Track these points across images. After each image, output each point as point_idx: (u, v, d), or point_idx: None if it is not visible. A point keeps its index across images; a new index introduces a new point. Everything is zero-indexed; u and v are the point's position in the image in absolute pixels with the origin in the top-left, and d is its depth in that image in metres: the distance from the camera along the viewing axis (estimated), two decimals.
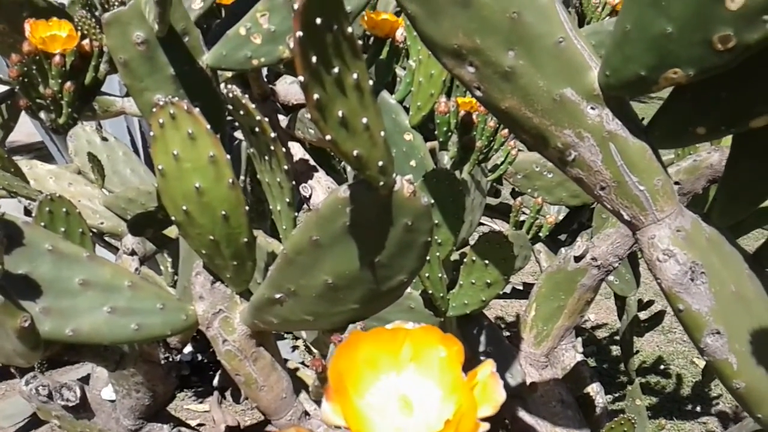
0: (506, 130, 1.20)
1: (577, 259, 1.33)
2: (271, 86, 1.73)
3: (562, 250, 1.80)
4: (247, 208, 0.69)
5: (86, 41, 1.10)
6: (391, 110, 1.17)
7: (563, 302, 1.37)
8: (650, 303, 1.85)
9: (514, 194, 1.98)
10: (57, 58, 1.04)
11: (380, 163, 0.53)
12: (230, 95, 0.71)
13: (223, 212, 0.69)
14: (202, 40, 0.88)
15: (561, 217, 1.80)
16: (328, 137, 0.49)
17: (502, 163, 1.30)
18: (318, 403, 0.76)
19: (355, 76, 0.50)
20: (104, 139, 1.67)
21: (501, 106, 0.65)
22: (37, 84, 1.06)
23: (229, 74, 1.16)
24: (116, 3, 0.90)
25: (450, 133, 0.97)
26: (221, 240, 0.71)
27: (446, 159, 0.99)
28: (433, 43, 0.67)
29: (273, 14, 0.84)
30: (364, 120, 0.51)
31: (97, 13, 0.90)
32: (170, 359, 1.13)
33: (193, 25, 0.87)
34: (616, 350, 2.88)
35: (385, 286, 0.63)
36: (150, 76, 0.85)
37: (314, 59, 0.46)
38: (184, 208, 0.69)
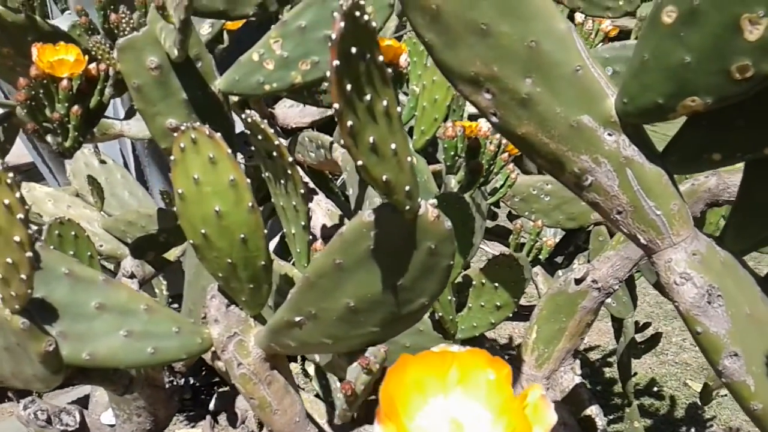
0: (505, 154, 1.22)
1: (578, 281, 1.34)
2: (271, 109, 1.74)
3: (560, 272, 1.82)
4: (265, 231, 0.70)
5: (92, 65, 1.10)
6: None
7: (564, 324, 1.37)
8: (647, 325, 1.87)
9: (511, 217, 2.00)
10: (64, 82, 1.04)
11: (407, 188, 0.54)
12: (249, 120, 0.71)
13: (242, 235, 0.69)
14: (215, 66, 0.89)
15: (557, 240, 1.81)
16: (359, 162, 0.50)
17: (502, 186, 1.31)
18: (343, 426, 0.76)
19: (384, 102, 0.51)
20: (102, 161, 1.67)
21: (517, 131, 0.67)
22: (44, 108, 1.06)
23: (235, 99, 1.17)
24: (127, 28, 0.91)
25: (457, 157, 0.99)
26: (239, 263, 0.71)
27: (453, 182, 1.00)
28: (450, 71, 0.68)
29: (286, 41, 0.86)
30: (393, 146, 0.52)
31: (99, 37, 0.90)
32: (174, 383, 1.13)
33: (205, 51, 0.88)
34: (609, 372, 2.88)
35: (406, 309, 0.63)
36: (163, 101, 0.86)
37: (349, 87, 0.47)
38: (203, 231, 0.69)
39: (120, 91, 1.26)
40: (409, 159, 0.54)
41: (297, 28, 0.85)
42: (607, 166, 0.63)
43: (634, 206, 0.63)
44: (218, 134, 0.66)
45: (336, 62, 0.45)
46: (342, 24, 0.44)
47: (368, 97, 0.49)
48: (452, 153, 0.98)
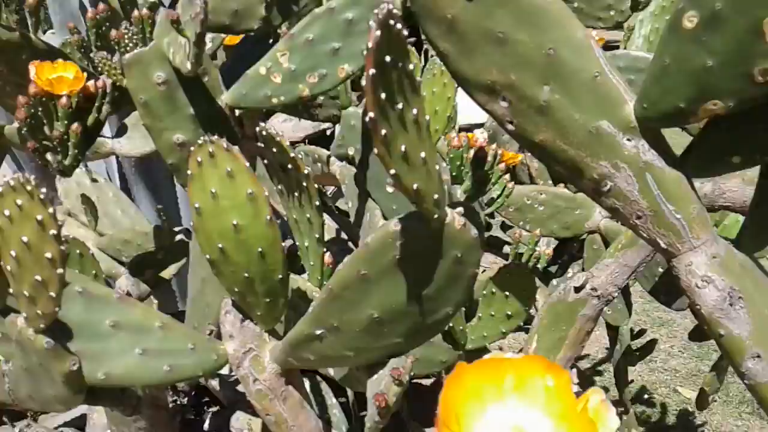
0: (502, 165, 1.23)
1: (577, 289, 1.34)
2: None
3: (554, 281, 1.83)
4: (283, 244, 0.69)
5: (90, 82, 1.09)
6: None
7: (564, 333, 1.37)
8: (642, 332, 1.88)
9: (504, 227, 2.01)
10: (63, 100, 1.03)
11: (435, 197, 0.54)
12: (263, 133, 0.71)
13: (260, 249, 0.69)
14: (221, 80, 0.89)
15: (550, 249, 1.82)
16: (392, 171, 0.49)
17: (499, 196, 1.32)
18: None
19: (414, 111, 0.51)
20: (94, 180, 1.65)
21: (535, 139, 0.67)
22: (42, 126, 1.05)
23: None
24: (130, 44, 0.90)
25: (462, 167, 0.99)
26: (256, 277, 0.71)
27: (459, 192, 1.00)
28: (465, 80, 0.69)
29: (293, 54, 0.86)
30: (423, 154, 0.52)
31: (105, 53, 0.90)
32: (177, 402, 1.11)
33: (212, 65, 0.87)
34: (600, 381, 2.89)
35: (431, 319, 0.63)
36: (170, 116, 0.85)
37: (383, 96, 0.47)
38: (220, 245, 0.69)
39: (117, 108, 1.25)
40: (437, 167, 0.54)
41: (304, 41, 0.85)
42: (626, 172, 0.63)
43: (654, 211, 0.63)
44: (236, 147, 0.66)
45: (372, 71, 0.45)
46: (378, 33, 0.44)
47: (400, 105, 0.49)
48: (458, 163, 0.98)
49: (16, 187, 0.46)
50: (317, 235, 0.75)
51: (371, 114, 0.46)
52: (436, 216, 0.55)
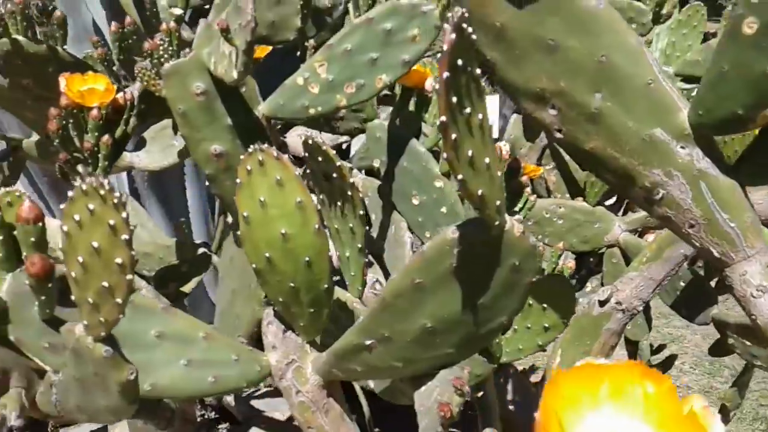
0: (525, 177, 1.23)
1: (602, 303, 1.33)
2: (283, 138, 1.73)
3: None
4: (330, 254, 0.69)
5: (119, 95, 1.09)
6: (420, 158, 1.18)
7: (588, 347, 1.36)
8: (662, 347, 1.87)
9: None
10: (94, 112, 1.03)
11: (497, 203, 0.54)
12: (309, 142, 0.71)
13: (307, 258, 0.68)
14: (258, 90, 0.88)
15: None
16: (459, 177, 0.49)
17: (520, 209, 1.31)
18: None
19: (480, 116, 0.51)
20: None
21: (585, 147, 0.67)
22: (72, 138, 1.05)
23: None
24: (165, 55, 0.90)
25: None
26: (302, 287, 0.70)
27: None
28: (514, 88, 0.69)
29: (331, 64, 0.86)
30: (487, 159, 0.52)
31: (145, 63, 0.90)
32: (205, 416, 1.10)
33: (249, 75, 0.87)
34: None
35: (485, 329, 0.62)
36: (207, 127, 0.84)
37: (454, 100, 0.47)
38: (267, 255, 0.68)
39: (143, 121, 1.25)
40: (499, 173, 0.54)
41: (343, 51, 0.85)
42: (680, 180, 0.63)
43: (708, 219, 0.63)
44: (285, 156, 0.65)
45: (446, 74, 0.45)
46: (453, 36, 0.44)
47: (468, 110, 0.49)
48: None
49: (89, 191, 0.45)
50: (359, 245, 0.75)
51: (443, 118, 0.46)
52: (497, 223, 0.54)
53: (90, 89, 1.03)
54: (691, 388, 3.04)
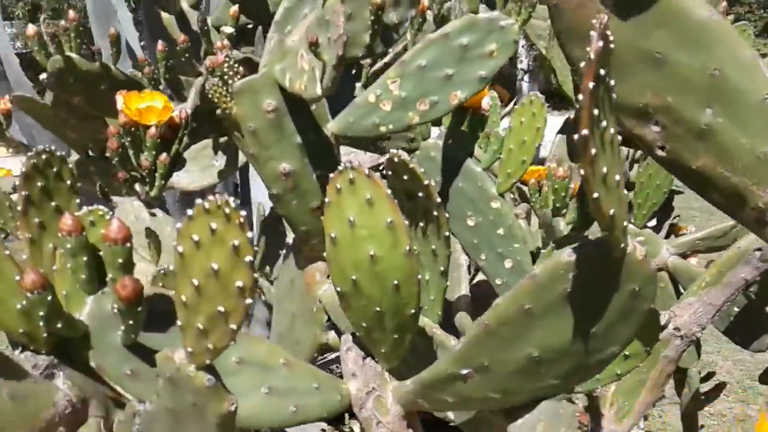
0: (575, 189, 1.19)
1: (660, 329, 1.29)
2: None
3: None
4: (419, 277, 0.65)
5: (175, 113, 1.07)
6: (476, 178, 1.15)
7: (645, 375, 1.32)
8: (711, 375, 1.81)
9: None
10: (152, 130, 1.01)
11: (625, 224, 0.50)
12: (395, 160, 0.67)
13: (396, 282, 0.64)
14: (328, 108, 0.86)
15: None
16: (594, 195, 0.46)
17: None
18: None
19: (612, 130, 0.48)
20: (153, 214, 1.62)
21: (692, 165, 0.63)
22: (129, 156, 1.02)
23: None
24: (230, 72, 0.88)
25: (567, 199, 0.95)
26: (387, 311, 0.66)
27: (562, 225, 0.96)
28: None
29: (404, 81, 0.83)
30: (617, 177, 0.48)
31: (216, 80, 0.87)
32: None
33: None
34: (655, 425, 2.81)
35: (594, 359, 0.58)
36: (277, 144, 0.82)
37: (596, 112, 0.43)
38: (353, 277, 0.65)
39: (192, 139, 1.23)
40: (625, 192, 0.50)
41: (416, 68, 0.82)
42: None
43: None
44: (377, 174, 0.62)
45: (591, 84, 0.41)
46: (600, 44, 0.41)
47: (603, 123, 0.45)
48: (562, 194, 0.94)
49: (211, 209, 0.42)
50: (441, 268, 0.71)
51: (585, 131, 0.43)
52: (622, 245, 0.51)
53: (148, 107, 1.00)
54: (725, 416, 2.96)
